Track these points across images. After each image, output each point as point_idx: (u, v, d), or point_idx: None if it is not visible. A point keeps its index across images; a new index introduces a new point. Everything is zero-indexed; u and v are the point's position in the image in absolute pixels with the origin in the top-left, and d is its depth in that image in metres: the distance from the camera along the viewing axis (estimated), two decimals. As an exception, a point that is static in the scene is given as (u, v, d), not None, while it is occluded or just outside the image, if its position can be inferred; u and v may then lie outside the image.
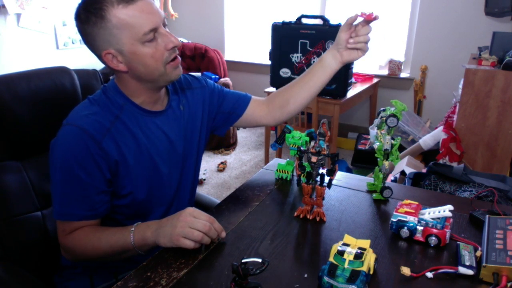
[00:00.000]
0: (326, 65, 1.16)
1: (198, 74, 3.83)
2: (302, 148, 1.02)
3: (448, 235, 0.92)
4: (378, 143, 1.11)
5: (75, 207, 0.97)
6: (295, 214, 1.06)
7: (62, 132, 0.97)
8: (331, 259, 0.80)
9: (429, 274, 0.83)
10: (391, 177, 1.99)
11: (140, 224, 0.96)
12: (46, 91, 1.15)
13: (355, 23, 1.09)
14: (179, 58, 1.03)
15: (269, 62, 3.07)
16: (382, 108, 1.13)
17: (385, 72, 3.74)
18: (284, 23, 2.90)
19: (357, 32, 1.09)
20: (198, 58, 4.01)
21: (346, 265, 0.77)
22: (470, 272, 0.82)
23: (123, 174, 1.01)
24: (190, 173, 1.17)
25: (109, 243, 0.95)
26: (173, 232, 0.88)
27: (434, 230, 0.92)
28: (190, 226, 0.88)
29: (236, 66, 4.39)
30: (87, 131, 0.95)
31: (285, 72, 2.99)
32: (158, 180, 1.08)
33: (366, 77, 3.57)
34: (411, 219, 0.94)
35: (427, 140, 2.53)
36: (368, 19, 1.05)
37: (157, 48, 0.96)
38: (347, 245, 0.82)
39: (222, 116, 1.25)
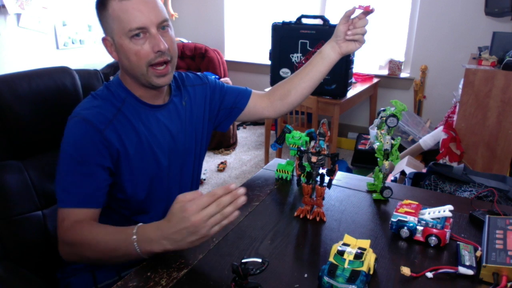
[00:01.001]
0: (325, 56, 1.21)
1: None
2: (302, 148, 1.02)
3: (448, 235, 0.92)
4: (378, 143, 1.11)
5: (76, 193, 0.97)
6: (295, 214, 1.06)
7: (67, 125, 1.00)
8: (331, 259, 0.80)
9: (429, 274, 0.83)
10: (391, 177, 1.99)
11: (141, 238, 0.85)
12: (47, 91, 1.15)
13: (352, 16, 1.13)
14: (169, 68, 1.02)
15: (269, 62, 3.07)
16: (382, 108, 1.13)
17: (385, 72, 3.74)
18: (284, 23, 2.90)
19: (354, 25, 1.14)
20: (198, 58, 4.01)
21: (346, 265, 0.77)
22: (470, 272, 0.82)
23: (124, 164, 1.02)
24: (190, 168, 1.18)
25: (108, 246, 0.89)
26: (198, 237, 0.80)
27: (434, 230, 0.92)
28: (205, 221, 0.79)
29: (236, 66, 4.39)
30: (90, 121, 0.98)
31: (285, 72, 2.99)
32: (158, 172, 1.09)
33: (366, 77, 3.57)
34: (411, 219, 0.94)
35: (427, 140, 2.53)
36: (366, 11, 1.10)
37: (143, 47, 0.98)
38: (347, 245, 0.82)
39: (225, 112, 1.27)
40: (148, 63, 0.99)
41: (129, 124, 1.03)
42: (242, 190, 0.81)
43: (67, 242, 0.96)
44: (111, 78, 1.09)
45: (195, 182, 1.22)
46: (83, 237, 0.93)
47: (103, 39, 1.03)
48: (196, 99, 1.19)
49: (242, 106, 1.27)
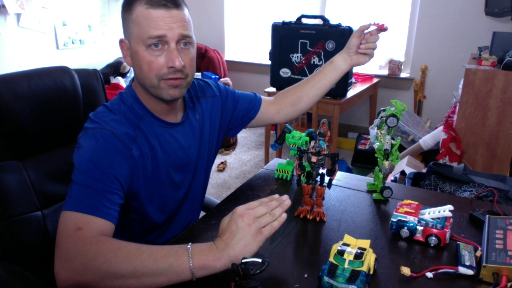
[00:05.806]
0: (337, 66, 1.25)
1: (198, 74, 3.83)
2: (302, 148, 1.02)
3: (448, 235, 0.92)
4: (378, 143, 1.11)
5: (97, 203, 0.86)
6: (295, 214, 1.06)
7: (88, 134, 0.93)
8: (331, 259, 0.80)
9: (429, 274, 0.83)
10: (391, 177, 1.99)
11: (198, 256, 0.78)
12: (46, 91, 1.15)
13: (366, 31, 1.18)
14: (182, 82, 0.98)
15: (269, 62, 3.07)
16: (382, 108, 1.13)
17: (385, 72, 3.74)
18: (284, 23, 2.90)
19: (367, 39, 1.19)
20: (198, 58, 4.02)
21: (346, 265, 0.77)
22: (470, 272, 0.82)
23: (144, 184, 1.01)
24: (202, 179, 1.18)
25: (150, 267, 0.76)
26: (252, 234, 0.79)
27: (434, 230, 0.92)
28: (254, 216, 0.80)
29: (236, 66, 4.39)
30: (120, 137, 0.94)
31: (285, 72, 2.99)
32: (172, 190, 1.09)
33: (366, 77, 3.57)
34: (411, 219, 0.94)
35: (427, 140, 2.53)
36: (380, 29, 1.16)
37: (157, 59, 0.94)
38: (347, 245, 0.82)
39: (236, 120, 1.27)
40: (159, 76, 0.95)
41: (147, 143, 1.00)
42: (285, 196, 0.89)
43: (84, 254, 0.77)
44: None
45: (204, 189, 1.23)
46: (115, 250, 0.78)
47: (121, 41, 1.00)
48: (209, 112, 1.18)
49: (254, 115, 1.28)
